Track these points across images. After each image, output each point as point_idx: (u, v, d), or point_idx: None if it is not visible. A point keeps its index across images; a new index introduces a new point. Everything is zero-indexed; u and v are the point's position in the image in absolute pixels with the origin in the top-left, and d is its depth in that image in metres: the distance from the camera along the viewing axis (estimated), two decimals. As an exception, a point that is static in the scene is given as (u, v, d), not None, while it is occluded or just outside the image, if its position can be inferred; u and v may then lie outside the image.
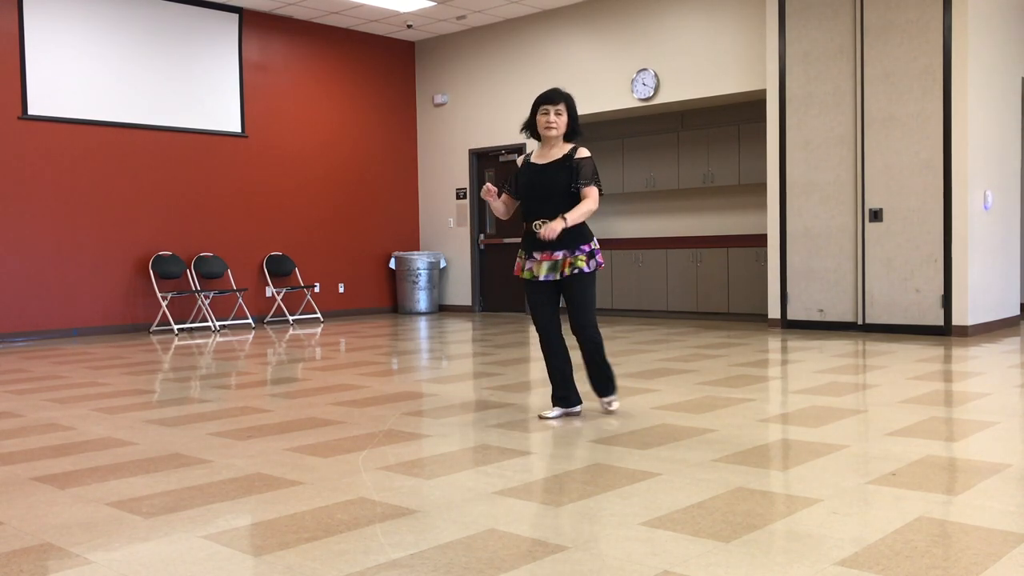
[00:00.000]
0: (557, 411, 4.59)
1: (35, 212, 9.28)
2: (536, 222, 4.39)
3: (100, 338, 9.38)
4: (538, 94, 4.53)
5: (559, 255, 4.38)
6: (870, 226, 8.34)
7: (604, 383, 4.62)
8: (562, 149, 4.46)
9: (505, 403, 5.04)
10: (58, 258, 9.43)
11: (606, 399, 4.65)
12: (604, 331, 9.14)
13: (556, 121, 4.40)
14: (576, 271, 4.38)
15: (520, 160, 4.58)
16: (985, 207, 8.18)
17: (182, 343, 8.81)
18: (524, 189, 4.48)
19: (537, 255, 4.42)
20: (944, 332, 7.99)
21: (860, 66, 8.33)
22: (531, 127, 4.51)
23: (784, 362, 6.60)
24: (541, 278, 4.41)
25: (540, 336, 4.55)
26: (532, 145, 11.27)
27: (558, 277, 4.40)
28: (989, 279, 8.29)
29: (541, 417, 4.56)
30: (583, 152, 4.43)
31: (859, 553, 2.50)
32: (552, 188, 4.39)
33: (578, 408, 4.62)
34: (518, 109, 11.47)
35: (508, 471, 3.50)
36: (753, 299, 9.94)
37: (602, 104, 10.57)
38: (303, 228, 11.44)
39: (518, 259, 4.54)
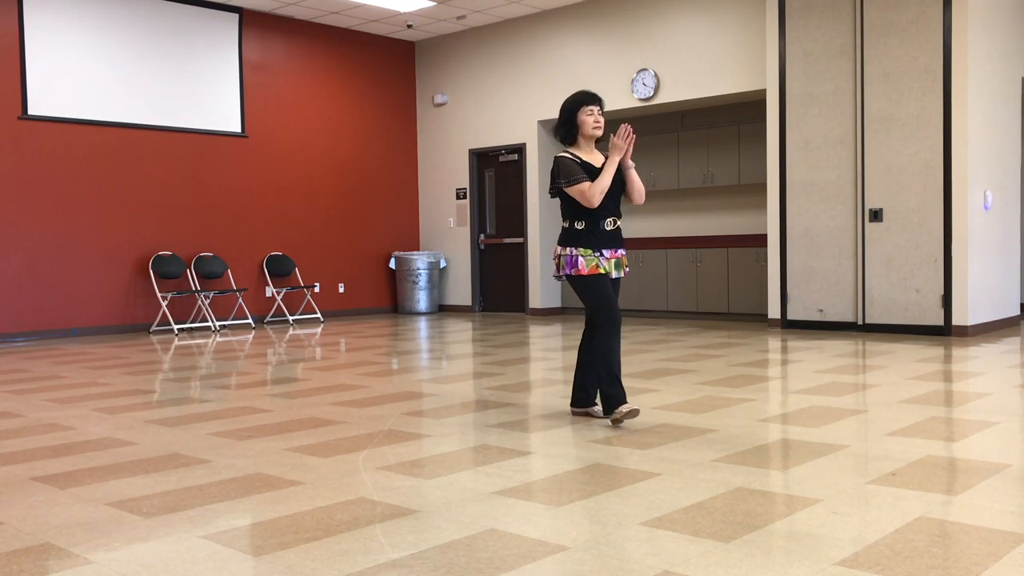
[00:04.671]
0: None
1: (35, 212, 9.28)
2: (609, 219, 4.40)
3: (100, 338, 9.38)
4: (574, 97, 4.43)
5: (620, 253, 4.49)
6: (870, 226, 8.34)
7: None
8: (598, 153, 4.50)
9: (505, 403, 5.04)
10: (58, 258, 9.43)
11: (598, 407, 4.64)
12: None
13: (601, 121, 4.43)
14: (627, 268, 4.58)
15: (571, 156, 4.40)
16: (985, 207, 8.18)
17: (182, 343, 8.81)
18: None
19: (608, 253, 4.42)
20: (944, 332, 7.99)
21: (860, 66, 8.33)
22: (568, 129, 4.43)
23: (784, 362, 6.60)
24: (614, 275, 4.46)
25: (615, 329, 4.38)
26: (532, 144, 11.29)
27: (621, 274, 4.51)
28: (989, 279, 8.29)
29: (618, 420, 4.32)
30: None
31: (859, 553, 2.50)
32: (618, 189, 4.47)
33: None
34: (518, 109, 11.48)
35: (508, 471, 3.50)
36: (753, 299, 9.94)
37: (602, 104, 10.56)
38: (303, 228, 11.44)
39: (580, 258, 4.38)
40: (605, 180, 4.33)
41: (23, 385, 6.14)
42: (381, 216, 12.26)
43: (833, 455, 3.67)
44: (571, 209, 4.41)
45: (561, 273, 4.45)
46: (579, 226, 4.39)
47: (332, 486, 3.33)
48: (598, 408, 4.60)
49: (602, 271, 4.38)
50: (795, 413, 4.60)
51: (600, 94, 4.68)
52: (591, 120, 4.38)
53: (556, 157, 4.42)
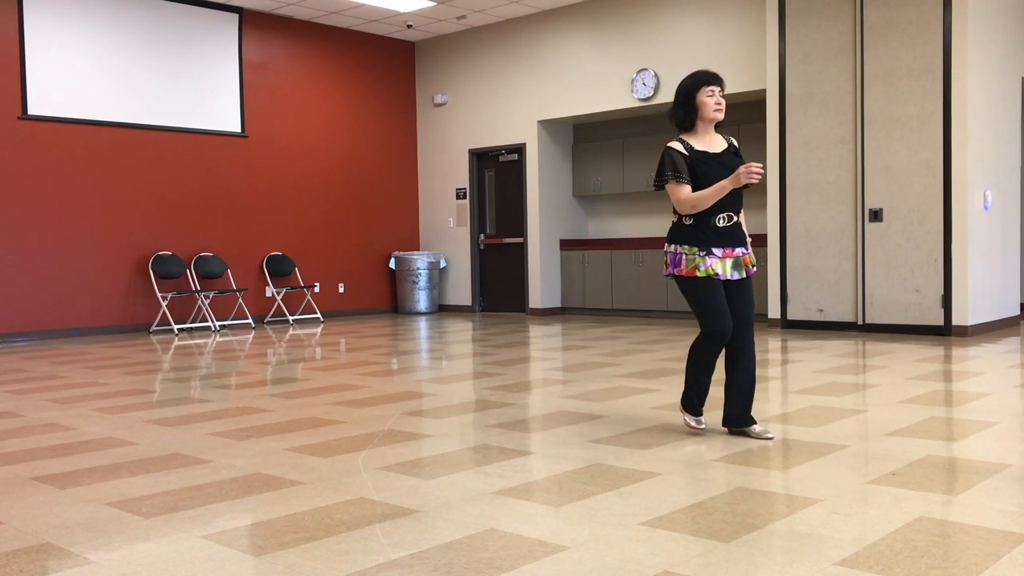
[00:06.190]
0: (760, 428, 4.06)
1: (35, 212, 9.28)
2: (723, 215, 3.96)
3: (100, 338, 9.38)
4: (692, 77, 3.98)
5: (739, 252, 4.02)
6: (870, 226, 8.34)
7: (750, 401, 4.09)
8: (719, 137, 4.08)
9: (505, 403, 5.04)
10: (58, 258, 9.42)
11: (757, 427, 4.08)
12: (604, 331, 9.15)
13: (723, 103, 3.97)
14: (754, 268, 4.10)
15: (681, 148, 3.95)
16: (985, 207, 8.17)
17: (182, 343, 8.81)
18: (719, 180, 3.92)
19: (719, 251, 3.96)
20: (944, 332, 7.99)
21: (860, 66, 8.33)
22: (686, 112, 3.98)
23: (784, 362, 6.60)
24: (727, 276, 3.97)
25: (721, 342, 3.98)
26: (532, 144, 11.28)
27: (743, 275, 4.02)
28: (989, 279, 8.29)
29: (761, 436, 4.00)
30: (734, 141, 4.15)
31: (859, 553, 2.50)
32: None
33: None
34: (518, 109, 11.47)
35: (508, 471, 3.50)
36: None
37: (602, 104, 10.56)
38: (303, 228, 11.44)
39: (684, 256, 3.97)
40: (707, 198, 3.88)
41: (23, 385, 6.14)
42: (381, 216, 12.26)
43: (833, 455, 3.66)
44: None
45: (666, 272, 4.05)
46: (687, 221, 3.97)
47: (332, 486, 3.32)
48: (758, 428, 4.06)
49: (701, 273, 3.93)
50: (795, 413, 4.60)
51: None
52: (712, 102, 3.94)
53: (666, 147, 3.99)
